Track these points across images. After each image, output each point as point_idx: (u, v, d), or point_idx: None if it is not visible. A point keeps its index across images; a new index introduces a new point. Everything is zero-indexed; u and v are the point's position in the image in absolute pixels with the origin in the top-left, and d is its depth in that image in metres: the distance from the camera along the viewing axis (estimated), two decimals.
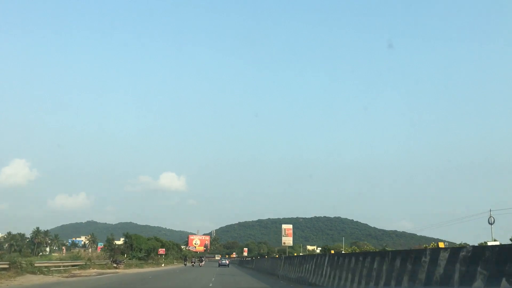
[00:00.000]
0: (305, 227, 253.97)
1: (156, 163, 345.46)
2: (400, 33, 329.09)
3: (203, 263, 62.50)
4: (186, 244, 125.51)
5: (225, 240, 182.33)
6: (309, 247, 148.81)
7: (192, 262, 62.10)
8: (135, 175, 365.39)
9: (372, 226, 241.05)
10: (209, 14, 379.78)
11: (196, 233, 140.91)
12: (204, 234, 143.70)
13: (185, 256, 70.19)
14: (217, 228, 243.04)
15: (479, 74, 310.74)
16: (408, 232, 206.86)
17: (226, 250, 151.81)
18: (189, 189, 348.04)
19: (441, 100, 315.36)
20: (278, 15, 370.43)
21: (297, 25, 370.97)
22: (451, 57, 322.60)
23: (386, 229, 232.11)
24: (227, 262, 65.29)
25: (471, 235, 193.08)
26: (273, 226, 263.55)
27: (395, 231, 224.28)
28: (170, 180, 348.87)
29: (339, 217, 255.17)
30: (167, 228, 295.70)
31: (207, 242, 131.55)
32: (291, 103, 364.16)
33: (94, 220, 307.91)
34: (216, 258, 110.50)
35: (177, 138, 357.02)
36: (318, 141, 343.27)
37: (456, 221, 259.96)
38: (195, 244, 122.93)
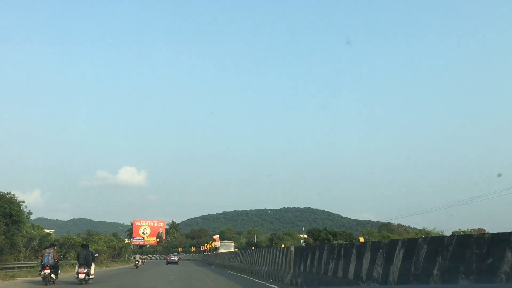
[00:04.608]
0: (274, 219, 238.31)
1: (115, 157, 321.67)
2: (358, 30, 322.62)
3: (91, 272, 17.65)
4: (130, 235, 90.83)
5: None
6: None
7: (45, 271, 16.92)
8: (93, 170, 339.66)
9: (345, 216, 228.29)
10: (166, 12, 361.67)
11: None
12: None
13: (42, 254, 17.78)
14: (179, 222, 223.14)
15: (437, 69, 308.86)
16: (383, 221, 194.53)
17: (191, 241, 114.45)
18: (150, 184, 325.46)
19: (401, 97, 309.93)
20: (235, 12, 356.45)
21: (254, 22, 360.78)
22: (411, 52, 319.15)
23: (360, 219, 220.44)
24: (176, 258, 56.98)
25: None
26: (239, 218, 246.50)
27: (369, 220, 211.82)
28: (130, 174, 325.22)
29: (310, 207, 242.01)
30: (125, 224, 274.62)
31: (162, 231, 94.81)
32: (254, 96, 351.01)
33: (44, 217, 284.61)
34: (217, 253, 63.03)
35: (137, 132, 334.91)
36: (281, 135, 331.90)
37: (428, 210, 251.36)
38: (143, 233, 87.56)
